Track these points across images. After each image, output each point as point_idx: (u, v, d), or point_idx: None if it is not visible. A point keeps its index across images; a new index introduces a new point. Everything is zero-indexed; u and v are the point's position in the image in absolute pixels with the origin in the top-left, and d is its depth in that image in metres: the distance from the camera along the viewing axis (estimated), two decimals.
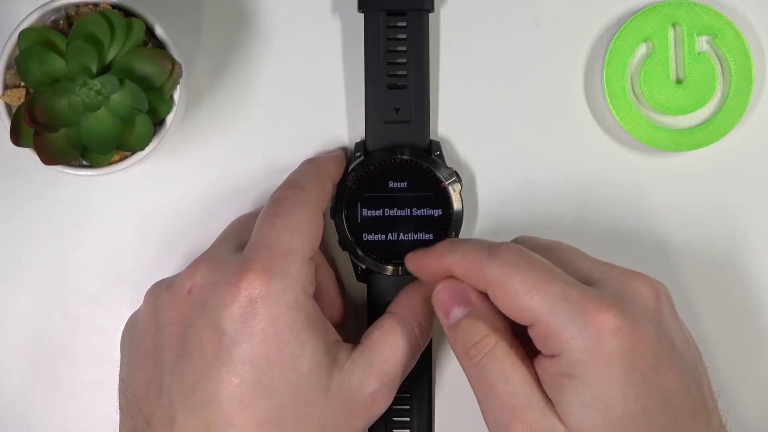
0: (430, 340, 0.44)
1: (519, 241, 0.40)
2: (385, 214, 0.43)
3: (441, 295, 0.39)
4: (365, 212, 0.44)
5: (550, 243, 0.40)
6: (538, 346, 0.36)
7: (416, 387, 0.44)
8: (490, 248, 0.37)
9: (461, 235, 0.44)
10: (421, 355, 0.42)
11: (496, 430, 0.37)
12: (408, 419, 0.44)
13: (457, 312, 0.38)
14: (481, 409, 0.37)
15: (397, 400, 0.43)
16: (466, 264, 0.37)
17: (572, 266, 0.37)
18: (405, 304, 0.41)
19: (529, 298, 0.35)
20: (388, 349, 0.40)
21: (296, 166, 0.43)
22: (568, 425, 0.35)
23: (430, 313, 0.41)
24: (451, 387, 0.46)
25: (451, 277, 0.39)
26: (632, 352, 0.34)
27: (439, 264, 0.39)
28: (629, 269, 0.38)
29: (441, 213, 0.43)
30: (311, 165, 0.43)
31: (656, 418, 0.35)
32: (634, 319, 0.35)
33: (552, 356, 0.35)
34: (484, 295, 0.38)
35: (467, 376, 0.38)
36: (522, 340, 0.37)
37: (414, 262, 0.41)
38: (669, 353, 0.35)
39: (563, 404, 0.35)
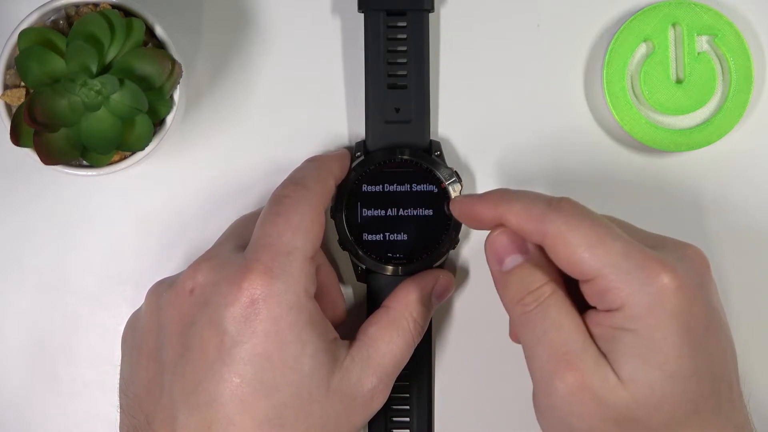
0: (430, 335, 0.44)
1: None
2: (385, 214, 0.43)
3: (498, 240, 0.38)
4: (365, 212, 0.44)
5: (602, 215, 0.39)
6: (593, 300, 0.36)
7: (416, 383, 0.44)
8: (550, 201, 0.36)
9: (462, 234, 0.44)
10: (421, 350, 0.43)
11: (544, 378, 0.36)
12: (408, 419, 0.44)
13: (513, 259, 0.37)
14: (526, 356, 0.37)
15: (397, 398, 0.43)
16: (525, 215, 0.36)
17: (628, 232, 0.37)
18: (401, 299, 0.41)
19: (591, 252, 0.35)
20: (384, 344, 0.40)
21: (296, 166, 0.43)
22: (621, 376, 0.34)
23: (425, 309, 0.42)
24: (451, 381, 0.46)
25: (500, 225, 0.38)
26: (688, 313, 0.34)
27: (492, 212, 0.37)
28: (681, 240, 0.38)
29: None
30: (313, 163, 0.43)
31: (704, 383, 0.35)
32: (691, 282, 0.35)
33: (608, 311, 0.35)
34: (539, 247, 0.37)
35: (514, 323, 0.37)
36: (571, 295, 0.37)
37: (462, 206, 0.39)
38: (717, 322, 0.36)
39: (617, 355, 0.35)
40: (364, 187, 0.44)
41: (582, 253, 0.35)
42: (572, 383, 0.35)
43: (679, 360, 0.34)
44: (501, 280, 0.38)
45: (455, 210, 0.40)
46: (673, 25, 0.45)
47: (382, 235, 0.43)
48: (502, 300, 0.38)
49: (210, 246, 0.41)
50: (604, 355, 0.35)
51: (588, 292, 0.36)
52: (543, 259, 0.37)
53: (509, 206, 0.37)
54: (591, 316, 0.36)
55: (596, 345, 0.35)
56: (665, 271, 0.34)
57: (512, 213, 0.37)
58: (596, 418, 0.35)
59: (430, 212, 0.43)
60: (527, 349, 0.37)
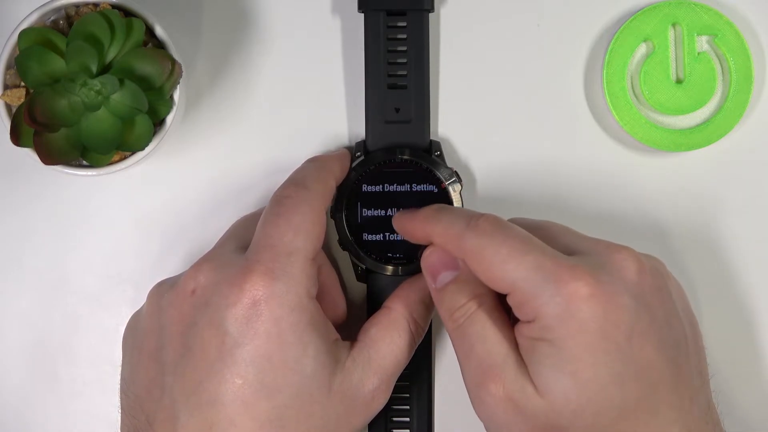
0: (430, 336, 0.44)
1: (511, 221, 0.40)
2: (385, 214, 0.43)
3: (430, 258, 0.39)
4: (365, 212, 0.44)
5: (540, 221, 0.41)
6: (516, 312, 0.37)
7: (416, 383, 0.44)
8: (470, 219, 0.37)
9: None
10: (421, 350, 0.43)
11: (473, 390, 0.37)
12: (408, 419, 0.44)
13: (445, 276, 0.39)
14: (461, 370, 0.38)
15: (397, 399, 0.43)
16: (446, 235, 0.38)
17: (558, 241, 0.38)
18: (402, 299, 0.41)
19: (504, 267, 0.36)
20: (385, 345, 0.40)
21: (296, 166, 0.43)
22: (537, 387, 0.35)
23: (426, 309, 0.42)
24: (451, 381, 0.45)
25: None
26: (604, 320, 0.35)
27: (422, 231, 0.39)
28: (615, 243, 0.38)
29: None
30: (314, 163, 0.43)
31: (630, 389, 0.35)
32: (609, 289, 0.35)
33: (528, 322, 0.36)
34: None
35: (451, 338, 0.39)
36: (506, 306, 0.38)
37: (398, 222, 0.41)
38: (647, 326, 0.36)
39: (535, 366, 0.36)
40: (364, 187, 0.44)
41: (495, 268, 0.36)
42: (496, 395, 0.36)
43: (593, 368, 0.35)
44: (436, 296, 0.39)
45: (395, 225, 0.41)
46: (673, 25, 0.45)
47: (382, 235, 0.43)
48: (440, 316, 0.39)
49: (211, 246, 0.41)
50: (525, 365, 0.36)
51: (511, 304, 0.37)
52: (473, 274, 0.38)
53: (433, 227, 0.39)
54: (518, 327, 0.37)
55: (520, 356, 0.36)
56: (575, 280, 0.35)
57: (436, 234, 0.39)
58: (523, 427, 0.36)
59: None
60: (460, 363, 0.38)
